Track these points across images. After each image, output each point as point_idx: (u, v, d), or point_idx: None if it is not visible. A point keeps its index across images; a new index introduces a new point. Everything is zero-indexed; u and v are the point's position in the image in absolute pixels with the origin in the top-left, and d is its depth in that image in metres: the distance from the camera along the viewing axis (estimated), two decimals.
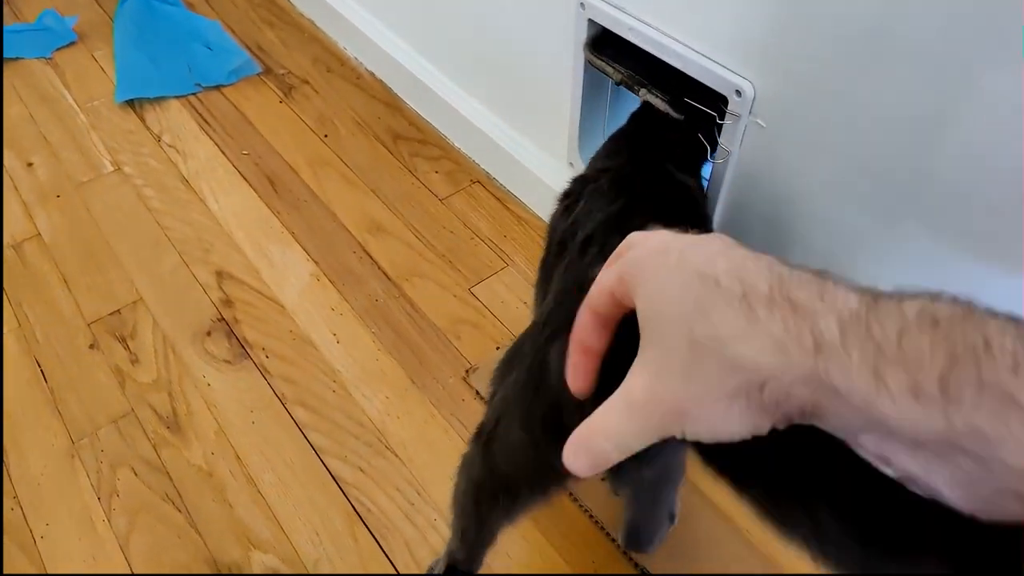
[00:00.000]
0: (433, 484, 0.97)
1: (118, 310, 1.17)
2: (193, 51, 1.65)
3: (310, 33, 1.72)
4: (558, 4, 0.97)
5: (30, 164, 1.41)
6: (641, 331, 0.31)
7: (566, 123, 1.10)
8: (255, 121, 1.50)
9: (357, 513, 0.95)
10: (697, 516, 0.94)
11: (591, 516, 0.95)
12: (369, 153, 1.42)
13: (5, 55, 1.63)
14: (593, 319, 0.36)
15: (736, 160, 0.84)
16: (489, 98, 1.30)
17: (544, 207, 1.28)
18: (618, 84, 0.91)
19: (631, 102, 1.10)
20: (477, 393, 1.06)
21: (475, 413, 1.04)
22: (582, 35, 0.94)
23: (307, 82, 1.57)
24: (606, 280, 0.34)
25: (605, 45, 0.93)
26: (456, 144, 1.44)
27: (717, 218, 0.91)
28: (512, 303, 1.18)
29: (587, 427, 0.33)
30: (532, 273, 1.21)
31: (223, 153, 1.44)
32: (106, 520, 0.94)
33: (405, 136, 1.46)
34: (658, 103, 0.86)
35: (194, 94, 1.57)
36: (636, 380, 0.31)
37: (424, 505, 0.96)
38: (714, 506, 0.94)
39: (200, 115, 1.52)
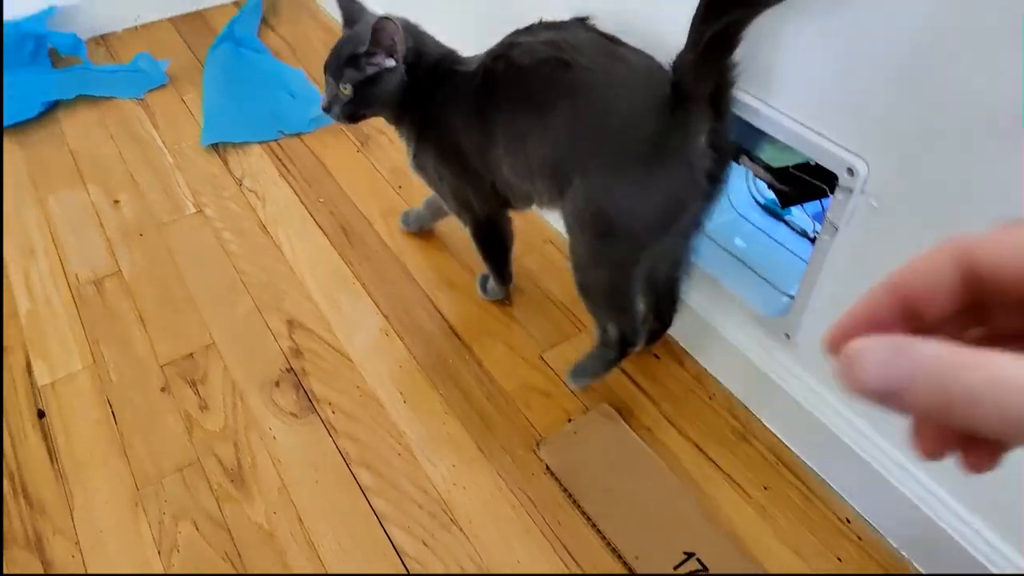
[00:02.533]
0: (497, 563, 0.93)
1: (191, 353, 1.17)
2: (277, 98, 1.69)
3: None
4: None
5: (117, 201, 1.45)
6: None
7: None
8: (332, 169, 1.52)
9: (397, 552, 0.91)
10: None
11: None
12: None
13: (101, 93, 1.69)
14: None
15: (843, 237, 0.79)
16: None
17: None
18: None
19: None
20: (547, 468, 1.02)
21: (544, 490, 1.00)
22: None
23: (383, 132, 1.59)
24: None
25: None
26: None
27: (819, 291, 0.86)
28: None
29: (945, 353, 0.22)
30: None
31: (300, 200, 1.45)
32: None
33: None
34: (760, 172, 0.82)
35: (276, 140, 1.60)
36: None
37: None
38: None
39: (280, 161, 1.55)
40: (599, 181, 0.84)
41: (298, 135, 1.60)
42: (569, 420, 1.08)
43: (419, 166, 1.09)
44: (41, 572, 0.92)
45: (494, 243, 1.17)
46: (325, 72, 0.99)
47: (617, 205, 0.84)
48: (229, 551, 0.94)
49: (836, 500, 0.98)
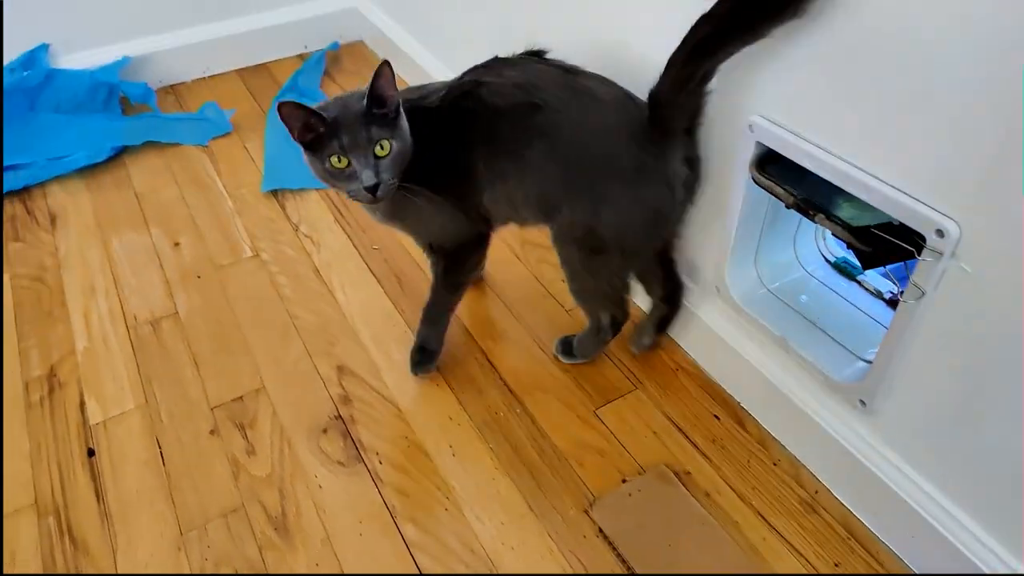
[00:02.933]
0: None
1: (241, 396, 1.16)
2: None
3: None
4: (724, 121, 0.93)
5: (177, 244, 1.48)
6: None
7: (716, 244, 1.04)
8: None
9: None
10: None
11: None
12: (496, 256, 1.40)
13: (167, 140, 1.75)
14: None
15: (930, 302, 0.75)
16: None
17: (680, 331, 1.21)
18: (789, 207, 0.85)
19: (788, 225, 1.03)
20: (600, 530, 0.97)
21: (597, 554, 0.95)
22: (748, 155, 0.89)
23: None
24: None
25: (773, 164, 0.88)
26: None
27: (901, 358, 0.81)
28: (641, 431, 1.09)
29: None
30: (664, 400, 1.13)
31: (354, 246, 1.46)
32: None
33: (533, 242, 1.43)
34: (839, 232, 0.78)
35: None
36: None
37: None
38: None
39: (336, 208, 1.56)
40: (588, 207, 0.94)
41: None
42: (624, 481, 1.03)
43: (396, 214, 1.05)
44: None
45: (465, 274, 1.15)
46: (345, 154, 0.88)
47: (606, 225, 0.94)
48: None
49: None
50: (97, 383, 1.20)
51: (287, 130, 0.89)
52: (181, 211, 1.57)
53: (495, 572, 0.93)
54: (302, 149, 0.92)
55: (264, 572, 0.94)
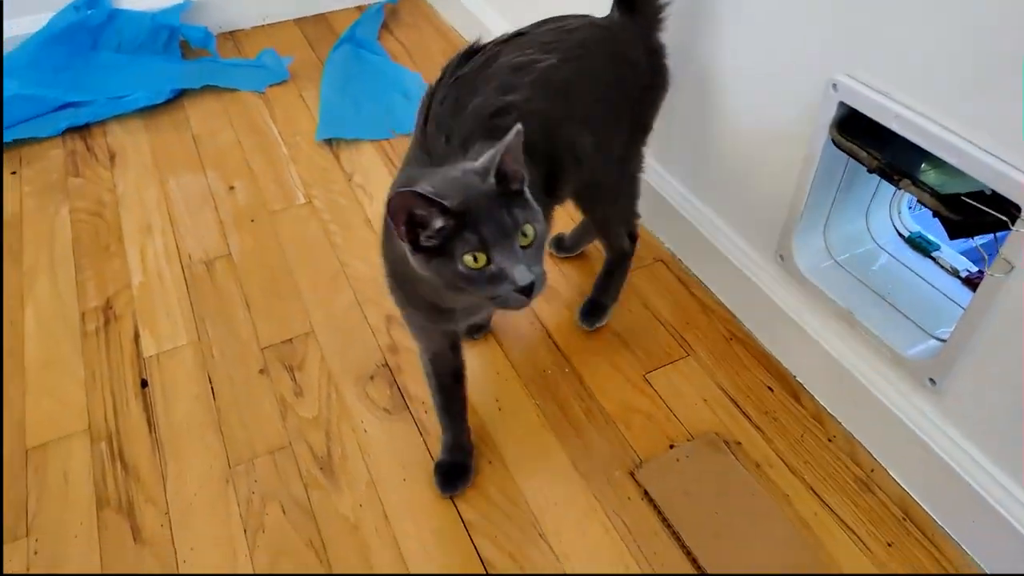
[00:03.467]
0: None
1: (291, 339, 1.17)
2: (391, 99, 1.70)
3: None
4: (804, 80, 0.89)
5: (232, 187, 1.48)
6: None
7: (783, 211, 1.00)
8: None
9: (481, 560, 0.86)
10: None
11: None
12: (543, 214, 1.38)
13: (225, 85, 1.75)
14: None
15: (1019, 277, 0.71)
16: (689, 174, 1.23)
17: (736, 299, 1.18)
18: (871, 172, 0.81)
19: (862, 194, 0.99)
20: (645, 493, 0.95)
21: (641, 516, 0.93)
22: (828, 116, 0.85)
23: None
24: None
25: (855, 128, 0.84)
26: (642, 220, 1.36)
27: (981, 336, 0.78)
28: (691, 398, 1.07)
29: None
30: (716, 369, 1.11)
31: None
32: (248, 555, 0.90)
33: None
34: (926, 199, 0.74)
35: (387, 139, 1.60)
36: None
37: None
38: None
39: (390, 159, 1.55)
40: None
41: (409, 135, 1.61)
42: (671, 446, 1.01)
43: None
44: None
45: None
46: (484, 249, 0.66)
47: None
48: (314, 539, 0.91)
49: (973, 568, 0.87)
50: (151, 317, 1.21)
51: (392, 225, 0.68)
52: (236, 155, 1.57)
53: (544, 539, 0.92)
54: (410, 252, 0.69)
55: (311, 511, 0.94)
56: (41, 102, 1.63)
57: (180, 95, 1.73)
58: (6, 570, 0.90)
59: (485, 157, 0.68)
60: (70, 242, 1.36)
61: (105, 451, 1.02)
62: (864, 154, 0.81)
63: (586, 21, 0.96)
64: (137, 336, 1.18)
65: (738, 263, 1.13)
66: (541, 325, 1.19)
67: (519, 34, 0.92)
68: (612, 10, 0.99)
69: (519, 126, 0.67)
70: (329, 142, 1.60)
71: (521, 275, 0.66)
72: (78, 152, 1.58)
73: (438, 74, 0.88)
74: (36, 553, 0.91)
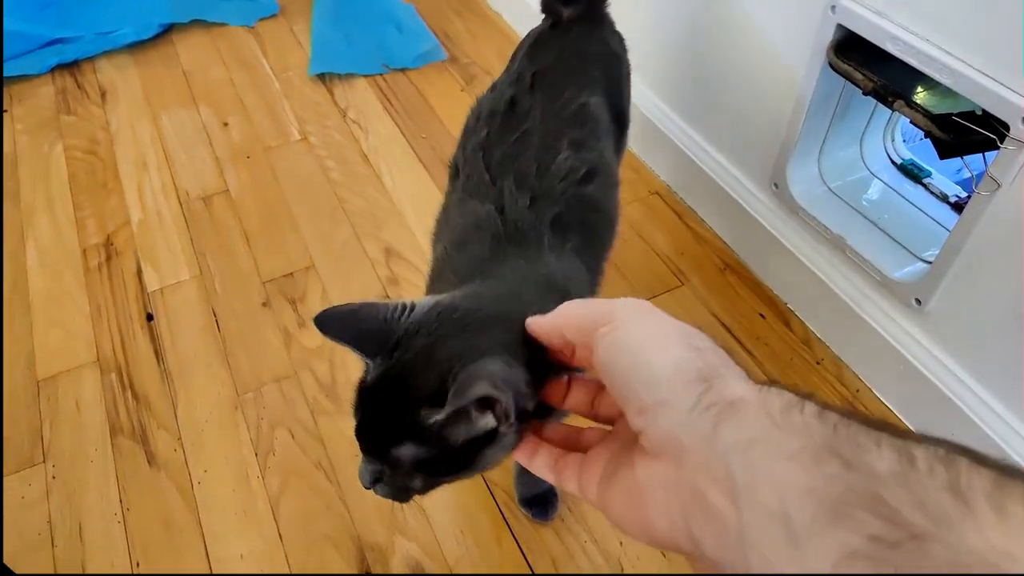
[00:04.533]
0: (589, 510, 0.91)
1: (291, 273, 1.19)
2: (384, 33, 1.68)
3: (497, 26, 1.71)
4: (800, 3, 0.89)
5: (226, 124, 1.47)
6: None
7: (778, 139, 1.01)
8: (435, 106, 1.51)
9: (504, 519, 0.90)
10: None
11: None
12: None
13: (214, 19, 1.72)
14: None
15: (1005, 196, 0.73)
16: (686, 105, 1.23)
17: (730, 229, 1.19)
18: (867, 94, 0.82)
19: (857, 121, 1.00)
20: None
21: None
22: (826, 39, 0.85)
23: (489, 73, 1.56)
24: None
25: (851, 51, 0.84)
26: (637, 151, 1.37)
27: (966, 255, 0.80)
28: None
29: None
30: (710, 298, 1.13)
31: (403, 134, 1.45)
32: (260, 477, 0.94)
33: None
34: (918, 119, 0.76)
35: (381, 74, 1.59)
36: None
37: (576, 524, 0.89)
38: None
39: (384, 95, 1.54)
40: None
41: (403, 70, 1.59)
42: None
43: None
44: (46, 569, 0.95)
45: None
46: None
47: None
48: (322, 461, 0.95)
49: None
50: (152, 253, 1.22)
51: None
52: (228, 91, 1.55)
53: None
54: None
55: (318, 435, 0.98)
56: (28, 39, 1.60)
57: (168, 30, 1.70)
58: (25, 495, 0.93)
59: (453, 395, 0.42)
60: (66, 180, 1.36)
61: (115, 381, 1.04)
62: (860, 76, 0.81)
63: (574, 33, 0.86)
64: (140, 271, 1.19)
65: (733, 193, 1.14)
66: None
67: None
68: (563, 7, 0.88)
69: None
70: (322, 77, 1.58)
71: (361, 474, 0.48)
72: (68, 90, 1.56)
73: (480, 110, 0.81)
74: (54, 478, 0.94)
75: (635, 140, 1.37)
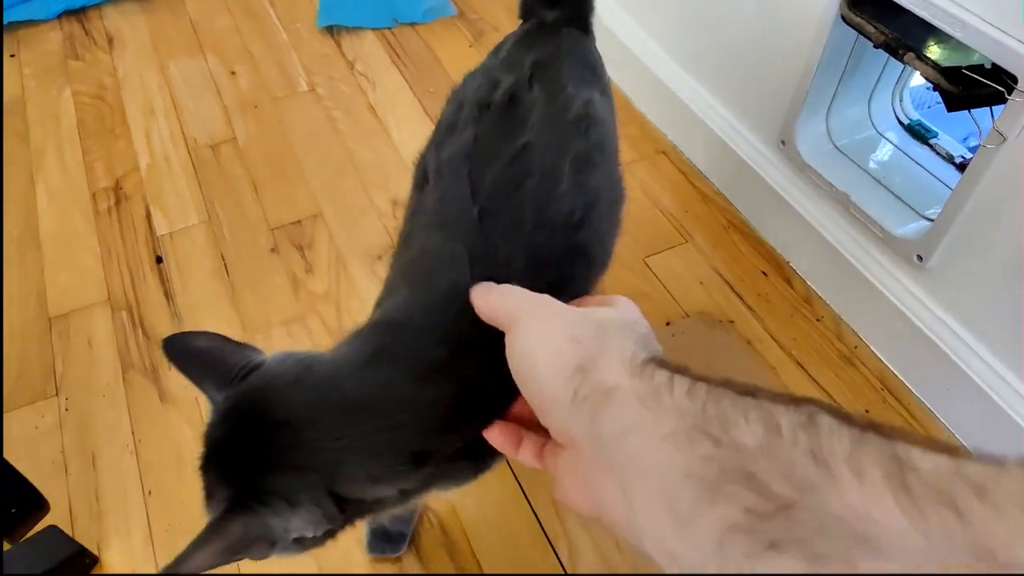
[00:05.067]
0: None
1: (299, 220, 1.20)
2: None
3: None
4: None
5: (233, 73, 1.47)
6: None
7: (787, 93, 1.01)
8: (444, 61, 1.50)
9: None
10: None
11: None
12: None
13: None
14: None
15: (1010, 150, 0.74)
16: (693, 60, 1.23)
17: (735, 187, 1.20)
18: (878, 47, 0.82)
19: (866, 79, 1.00)
20: None
21: None
22: None
23: (498, 29, 1.56)
24: None
25: (863, 4, 0.85)
26: (643, 110, 1.38)
27: (968, 211, 0.81)
28: (688, 280, 1.12)
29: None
30: (713, 255, 1.14)
31: (410, 88, 1.45)
32: None
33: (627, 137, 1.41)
34: (928, 72, 0.76)
35: (389, 28, 1.58)
36: None
37: None
38: None
39: (392, 49, 1.54)
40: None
41: (412, 25, 1.59)
42: (667, 323, 1.06)
43: None
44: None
45: None
46: None
47: None
48: None
49: (944, 433, 0.94)
50: (161, 198, 1.23)
51: None
52: (235, 41, 1.55)
53: None
54: None
55: None
56: None
57: None
58: (39, 425, 0.95)
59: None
60: (75, 124, 1.36)
61: (126, 320, 1.06)
62: (872, 29, 0.82)
63: (563, 34, 0.71)
64: (149, 215, 1.20)
65: (739, 150, 1.15)
66: None
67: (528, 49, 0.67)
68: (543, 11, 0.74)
69: None
70: (330, 29, 1.58)
71: None
72: (76, 36, 1.55)
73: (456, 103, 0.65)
74: (67, 410, 0.97)
75: (642, 98, 1.37)
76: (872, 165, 1.02)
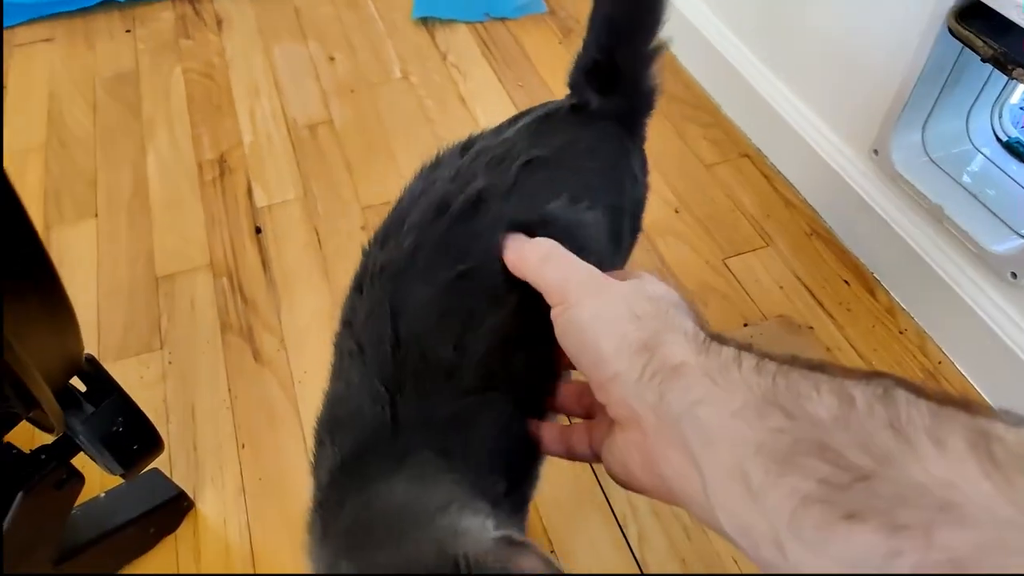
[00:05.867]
0: None
1: (388, 201, 1.24)
2: None
3: None
4: None
5: (332, 58, 1.54)
6: None
7: (883, 102, 1.01)
8: (532, 57, 1.54)
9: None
10: None
11: None
12: None
13: None
14: None
15: None
16: (785, 65, 1.23)
17: (821, 195, 1.20)
18: (986, 61, 0.82)
19: (967, 93, 0.99)
20: None
21: None
22: (948, 3, 0.85)
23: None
24: None
25: (972, 17, 0.84)
26: (729, 114, 1.38)
27: None
28: (767, 283, 1.12)
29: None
30: (794, 261, 1.14)
31: (499, 81, 1.48)
32: None
33: (679, 98, 1.42)
34: None
35: (481, 22, 1.63)
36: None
37: None
38: None
39: (484, 42, 1.58)
40: None
41: (503, 20, 1.63)
42: (745, 324, 1.07)
43: None
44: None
45: None
46: None
47: None
48: None
49: None
50: (262, 173, 1.30)
51: None
52: (335, 28, 1.62)
53: None
54: None
55: None
56: None
57: None
58: (144, 376, 1.02)
59: None
60: (184, 99, 1.44)
61: (226, 284, 1.12)
62: (980, 42, 0.81)
63: (597, 127, 0.61)
64: (250, 189, 1.27)
65: (828, 158, 1.15)
66: None
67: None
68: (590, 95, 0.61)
69: None
70: (424, 21, 1.63)
71: None
72: (187, 16, 1.65)
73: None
74: (170, 363, 1.03)
75: (728, 100, 1.38)
76: (966, 179, 1.00)
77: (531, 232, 0.46)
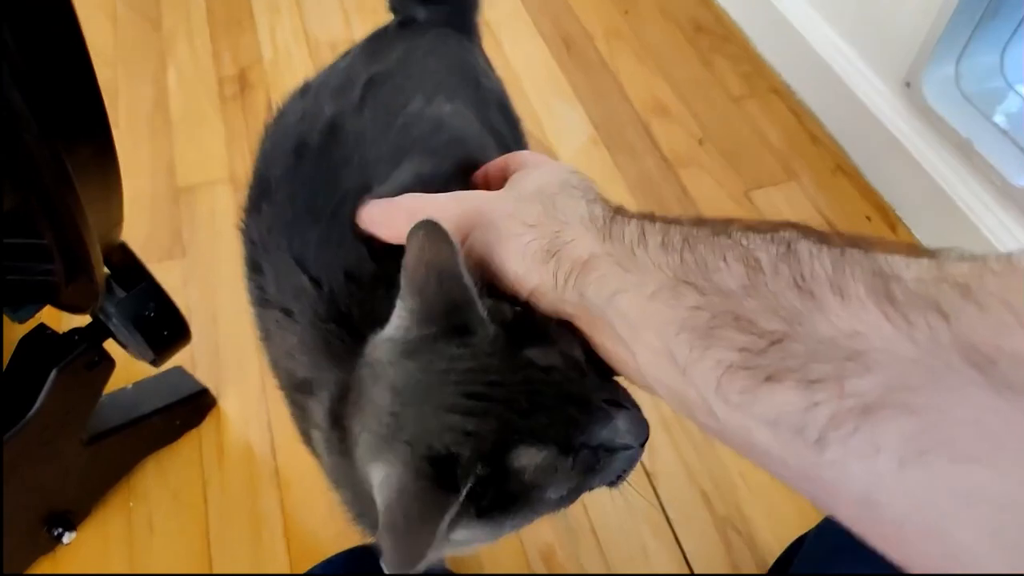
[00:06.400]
0: None
1: None
2: None
3: None
4: None
5: None
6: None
7: (918, 33, 0.99)
8: None
9: None
10: None
11: None
12: (667, 37, 1.38)
13: None
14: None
15: None
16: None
17: (849, 129, 1.19)
18: None
19: (1003, 27, 0.97)
20: None
21: None
22: None
23: None
24: None
25: None
26: (759, 49, 1.35)
27: None
28: (788, 217, 1.11)
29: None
30: (818, 196, 1.14)
31: (525, 6, 1.46)
32: None
33: (708, 29, 1.39)
34: None
35: None
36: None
37: None
38: None
39: None
40: None
41: None
42: None
43: None
44: None
45: None
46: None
47: None
48: None
49: None
50: (282, 90, 1.27)
51: None
52: None
53: None
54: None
55: None
56: None
57: None
58: (165, 282, 1.03)
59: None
60: (205, 13, 1.42)
61: None
62: None
63: (431, 35, 0.61)
64: (270, 105, 1.26)
65: (858, 90, 1.13)
66: (650, 138, 1.23)
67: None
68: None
69: None
70: None
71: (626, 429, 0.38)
72: None
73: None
74: (192, 271, 1.04)
75: (759, 33, 1.35)
76: (998, 117, 0.99)
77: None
